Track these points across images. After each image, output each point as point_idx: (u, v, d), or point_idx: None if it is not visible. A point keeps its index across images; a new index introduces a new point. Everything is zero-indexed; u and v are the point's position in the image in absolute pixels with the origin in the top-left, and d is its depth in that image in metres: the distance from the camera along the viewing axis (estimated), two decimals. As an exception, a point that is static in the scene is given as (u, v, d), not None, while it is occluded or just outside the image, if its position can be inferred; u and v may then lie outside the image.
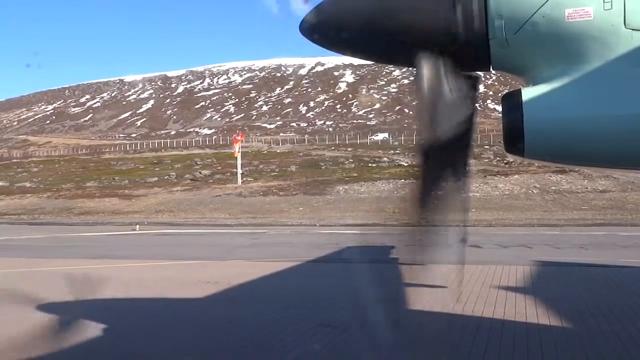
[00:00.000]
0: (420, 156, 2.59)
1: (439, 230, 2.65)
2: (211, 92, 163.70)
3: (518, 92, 2.47)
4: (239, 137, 53.56)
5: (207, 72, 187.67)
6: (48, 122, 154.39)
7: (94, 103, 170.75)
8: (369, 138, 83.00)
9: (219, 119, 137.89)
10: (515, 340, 6.03)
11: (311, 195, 39.87)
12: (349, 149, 70.42)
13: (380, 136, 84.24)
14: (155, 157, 73.28)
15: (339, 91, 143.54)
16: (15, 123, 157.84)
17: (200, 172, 56.20)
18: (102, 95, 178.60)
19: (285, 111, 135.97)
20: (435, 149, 2.50)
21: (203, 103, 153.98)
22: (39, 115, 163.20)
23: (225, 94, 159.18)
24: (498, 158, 47.68)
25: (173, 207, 39.43)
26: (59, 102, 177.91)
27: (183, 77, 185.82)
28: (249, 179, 50.40)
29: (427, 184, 2.61)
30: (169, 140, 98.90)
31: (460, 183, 2.69)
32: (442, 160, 2.55)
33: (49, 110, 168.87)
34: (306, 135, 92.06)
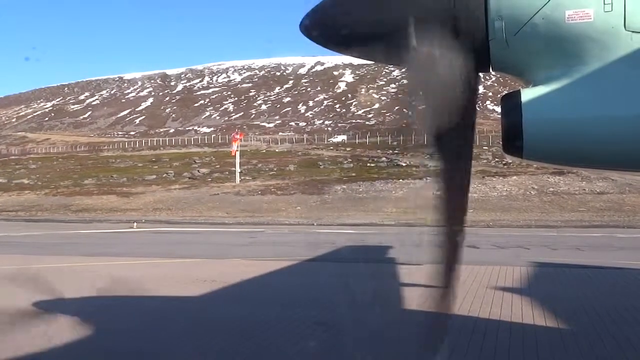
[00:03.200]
0: (432, 158, 2.58)
1: (436, 230, 2.64)
2: (210, 90, 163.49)
3: (517, 93, 2.47)
4: (238, 136, 53.52)
5: (206, 70, 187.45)
6: (47, 119, 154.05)
7: (93, 100, 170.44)
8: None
9: (218, 117, 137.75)
10: (511, 340, 6.03)
11: (309, 195, 39.88)
12: (348, 149, 70.42)
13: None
14: (154, 155, 73.23)
15: (339, 91, 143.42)
16: (14, 120, 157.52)
17: (198, 171, 56.18)
18: (101, 93, 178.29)
19: (284, 110, 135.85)
20: (441, 147, 2.50)
21: (202, 101, 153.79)
22: (38, 112, 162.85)
23: (224, 93, 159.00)
24: (497, 159, 47.72)
25: (171, 205, 39.42)
26: (58, 99, 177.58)
27: (182, 75, 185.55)
28: (247, 178, 50.38)
29: (448, 187, 2.59)
30: (167, 139, 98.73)
31: (462, 180, 2.69)
32: (451, 158, 2.54)
33: (47, 107, 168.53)
34: (305, 135, 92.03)
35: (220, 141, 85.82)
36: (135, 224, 28.70)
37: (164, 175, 55.32)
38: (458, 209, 2.66)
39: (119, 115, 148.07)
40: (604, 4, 2.29)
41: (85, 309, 7.69)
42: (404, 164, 51.67)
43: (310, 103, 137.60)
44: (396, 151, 62.15)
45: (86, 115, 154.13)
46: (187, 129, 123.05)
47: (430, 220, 2.62)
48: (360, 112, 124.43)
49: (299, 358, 5.67)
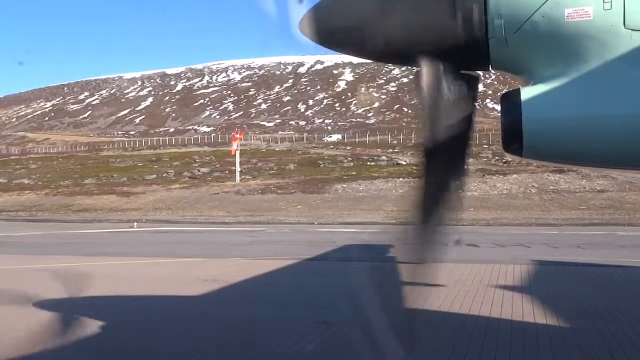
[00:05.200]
0: (422, 156, 2.59)
1: (438, 229, 2.64)
2: (210, 89, 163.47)
3: (517, 92, 2.47)
4: (238, 135, 53.45)
5: (206, 69, 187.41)
6: (47, 118, 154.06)
7: (93, 100, 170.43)
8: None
9: (218, 116, 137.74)
10: (512, 339, 6.03)
11: (309, 194, 39.87)
12: (348, 148, 70.41)
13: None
14: (154, 155, 73.19)
15: (338, 89, 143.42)
16: (14, 120, 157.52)
17: (198, 170, 56.18)
18: (100, 92, 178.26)
19: (284, 109, 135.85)
20: (436, 149, 2.50)
21: (202, 101, 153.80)
22: (38, 112, 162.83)
23: (224, 92, 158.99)
24: (497, 157, 47.69)
25: (171, 205, 39.42)
26: (58, 99, 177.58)
27: (182, 75, 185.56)
28: (247, 177, 50.37)
29: (430, 184, 2.61)
30: (167, 138, 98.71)
31: (458, 182, 2.69)
32: (443, 159, 2.55)
33: (47, 107, 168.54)
34: (305, 134, 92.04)
35: (220, 140, 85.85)
36: (135, 223, 28.68)
37: (164, 175, 55.30)
38: (439, 208, 2.64)
39: (118, 115, 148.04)
40: (604, 2, 2.29)
41: (85, 309, 7.69)
42: (404, 163, 51.68)
43: (310, 102, 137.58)
44: (396, 150, 62.17)
45: (86, 115, 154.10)
46: (187, 128, 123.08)
47: (432, 219, 2.61)
48: (360, 111, 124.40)
49: (299, 357, 5.67)
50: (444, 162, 2.57)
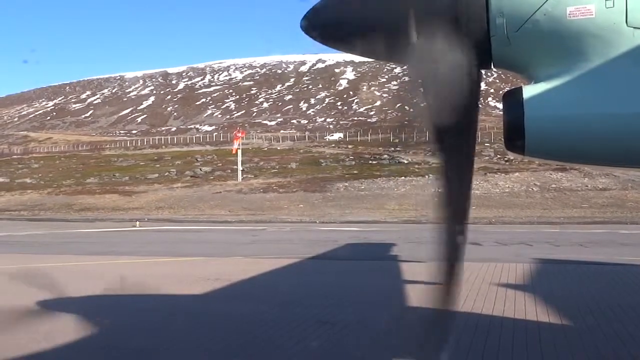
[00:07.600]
0: (433, 157, 2.58)
1: (460, 228, 2.64)
2: (212, 88, 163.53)
3: (519, 90, 2.46)
4: (240, 134, 53.48)
5: (207, 68, 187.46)
6: (48, 118, 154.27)
7: (95, 99, 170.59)
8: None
9: (220, 115, 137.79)
10: (514, 337, 6.03)
11: (311, 193, 39.90)
12: (350, 146, 70.37)
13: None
14: (156, 154, 73.31)
15: (340, 88, 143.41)
16: (15, 119, 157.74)
17: (200, 169, 56.27)
18: (102, 92, 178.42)
19: (285, 108, 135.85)
20: (444, 148, 2.49)
21: (204, 100, 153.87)
22: (40, 112, 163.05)
23: (225, 91, 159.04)
24: (499, 156, 47.69)
25: (173, 204, 39.49)
26: (60, 98, 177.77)
27: (184, 74, 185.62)
28: (249, 176, 50.43)
29: (444, 184, 2.59)
30: (169, 137, 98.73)
31: (468, 181, 2.68)
32: (451, 158, 2.54)
33: (49, 107, 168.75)
34: (307, 132, 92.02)
35: (222, 139, 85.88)
36: (137, 222, 28.73)
37: (166, 174, 55.40)
38: (460, 206, 2.65)
39: (120, 114, 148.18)
40: (606, 0, 2.29)
41: (88, 308, 7.70)
42: (406, 161, 51.66)
43: (312, 101, 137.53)
44: (398, 148, 62.12)
45: (88, 114, 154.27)
46: (188, 127, 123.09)
47: (432, 217, 2.61)
48: (361, 110, 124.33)
49: (301, 356, 5.67)
50: (452, 162, 2.57)
